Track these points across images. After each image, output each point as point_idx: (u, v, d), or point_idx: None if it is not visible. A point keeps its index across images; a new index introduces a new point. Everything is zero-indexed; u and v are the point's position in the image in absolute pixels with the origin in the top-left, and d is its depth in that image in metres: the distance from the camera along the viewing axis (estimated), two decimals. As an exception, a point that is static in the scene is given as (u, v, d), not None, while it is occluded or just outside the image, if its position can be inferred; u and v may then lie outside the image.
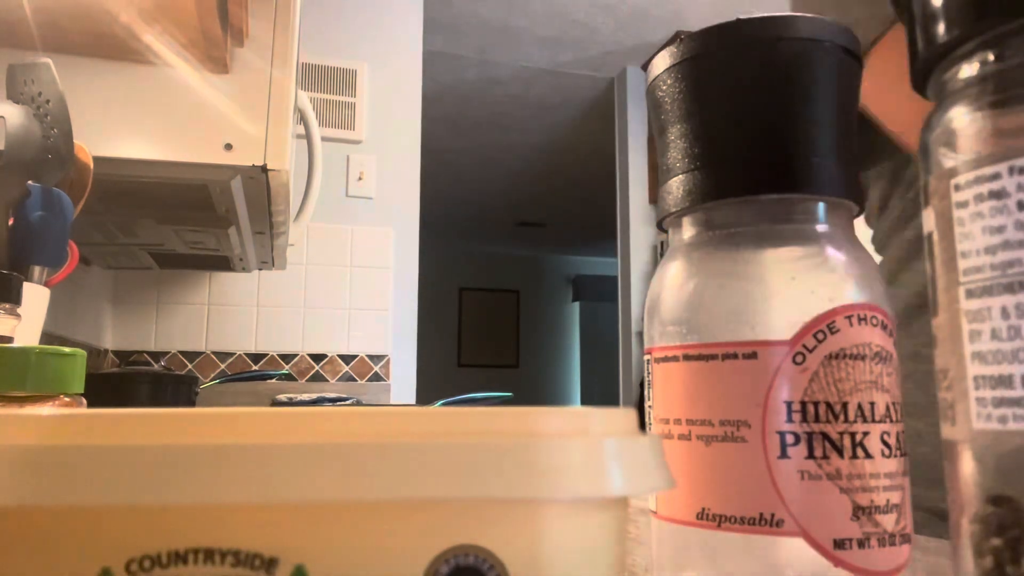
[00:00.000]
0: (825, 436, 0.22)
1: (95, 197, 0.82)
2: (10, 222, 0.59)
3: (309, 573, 0.13)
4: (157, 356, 1.83)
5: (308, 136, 1.53)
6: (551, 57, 3.38)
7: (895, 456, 0.22)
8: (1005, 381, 0.17)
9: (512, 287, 7.16)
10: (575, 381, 7.11)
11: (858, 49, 0.24)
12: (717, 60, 0.24)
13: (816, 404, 0.22)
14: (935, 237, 0.19)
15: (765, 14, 0.23)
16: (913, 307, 0.61)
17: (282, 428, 0.14)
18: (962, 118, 0.18)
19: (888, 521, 0.22)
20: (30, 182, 0.60)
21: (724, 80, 0.24)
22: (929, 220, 0.19)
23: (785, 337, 0.22)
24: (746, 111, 0.24)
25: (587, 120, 4.02)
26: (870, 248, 0.68)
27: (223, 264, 1.59)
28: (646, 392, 0.26)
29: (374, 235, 2.02)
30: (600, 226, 5.92)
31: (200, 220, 1.16)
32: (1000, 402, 0.17)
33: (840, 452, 0.21)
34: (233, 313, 1.89)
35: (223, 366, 1.86)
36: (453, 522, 0.14)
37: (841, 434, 0.22)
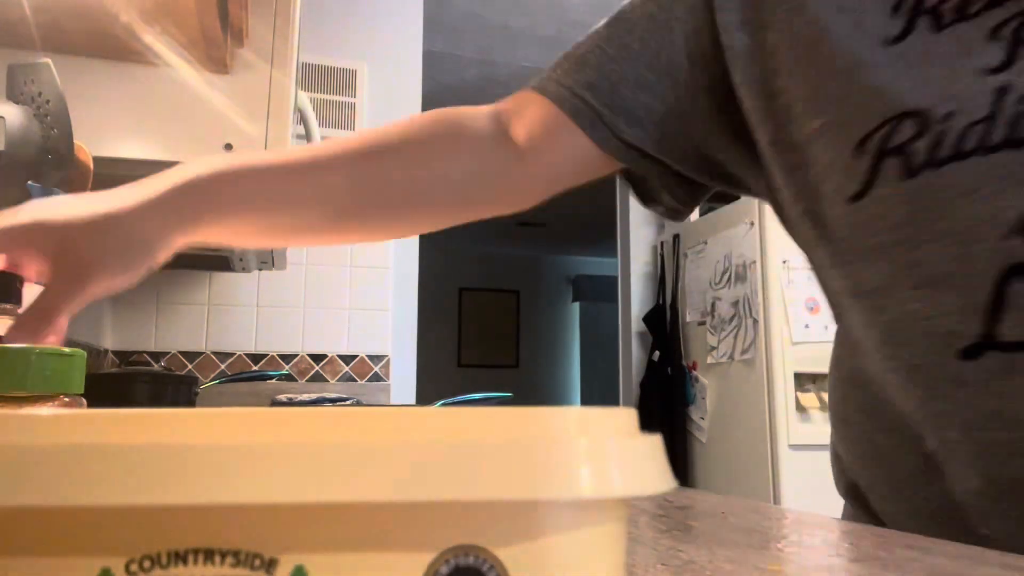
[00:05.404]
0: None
1: (95, 197, 0.82)
2: (10, 222, 0.59)
3: (309, 573, 0.13)
4: (157, 356, 1.82)
5: (308, 136, 1.53)
6: (551, 57, 3.36)
7: None
8: None
9: (512, 287, 7.15)
10: (575, 381, 7.10)
11: None
12: None
13: None
14: None
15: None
16: None
17: (282, 428, 0.14)
18: None
19: None
20: (30, 182, 0.60)
21: None
22: None
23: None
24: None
25: (587, 120, 4.01)
26: None
27: (223, 264, 1.59)
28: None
29: (374, 235, 2.02)
30: (600, 226, 5.91)
31: (200, 220, 1.16)
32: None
33: None
34: (233, 313, 1.89)
35: (223, 366, 1.86)
36: (453, 522, 0.14)
37: None
